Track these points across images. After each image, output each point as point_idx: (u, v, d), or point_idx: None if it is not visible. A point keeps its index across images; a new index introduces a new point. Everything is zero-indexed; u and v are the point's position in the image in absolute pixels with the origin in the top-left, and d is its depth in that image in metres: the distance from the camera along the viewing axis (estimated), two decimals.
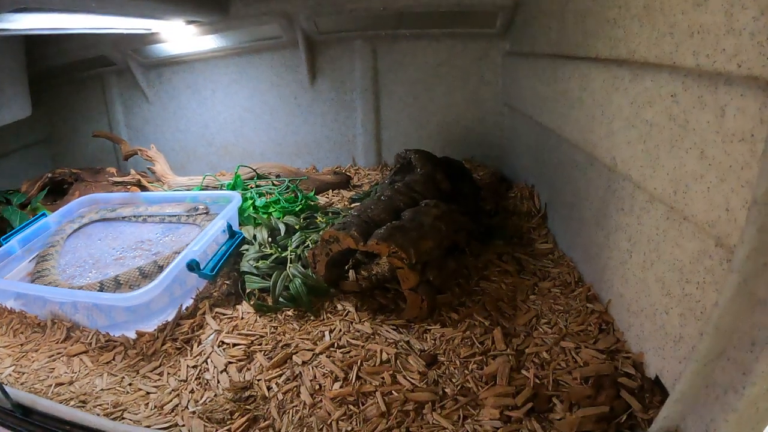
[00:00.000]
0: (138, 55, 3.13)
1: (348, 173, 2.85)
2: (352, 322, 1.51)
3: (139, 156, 2.97)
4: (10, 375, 1.55)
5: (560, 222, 1.91)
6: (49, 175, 3.02)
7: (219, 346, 1.49)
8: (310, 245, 1.81)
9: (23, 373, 1.55)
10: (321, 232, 1.63)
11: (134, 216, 2.42)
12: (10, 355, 1.65)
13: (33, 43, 2.93)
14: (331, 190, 2.65)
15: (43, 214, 2.45)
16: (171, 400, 1.33)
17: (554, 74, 1.78)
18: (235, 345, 1.48)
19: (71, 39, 2.96)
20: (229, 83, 3.12)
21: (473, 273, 1.71)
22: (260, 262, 1.76)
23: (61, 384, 1.47)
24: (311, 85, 2.93)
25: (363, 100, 2.88)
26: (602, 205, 1.45)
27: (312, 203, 2.33)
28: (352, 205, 2.37)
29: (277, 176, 2.66)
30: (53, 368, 1.55)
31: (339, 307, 1.60)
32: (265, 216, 2.20)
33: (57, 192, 3.05)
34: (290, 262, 1.72)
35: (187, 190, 2.68)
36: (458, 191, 1.97)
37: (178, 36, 2.79)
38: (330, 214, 2.14)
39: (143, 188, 2.78)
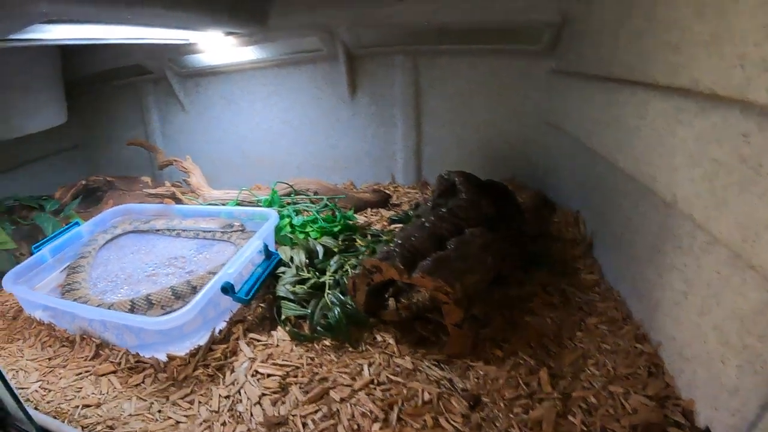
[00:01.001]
0: (175, 64, 3.18)
1: (387, 191, 2.83)
2: (392, 356, 1.49)
3: (174, 167, 3.01)
4: (36, 392, 1.57)
5: (607, 252, 1.86)
6: (84, 182, 3.09)
7: (253, 376, 1.47)
8: (350, 270, 1.80)
9: (50, 391, 1.56)
10: (362, 260, 1.61)
11: (168, 229, 2.44)
12: (37, 369, 1.68)
13: (69, 50, 3.01)
14: (369, 209, 2.64)
15: (76, 223, 2.49)
16: None
17: (607, 98, 1.72)
18: (269, 375, 1.46)
19: (107, 48, 3.03)
20: (268, 95, 3.13)
21: (517, 305, 1.68)
22: (297, 286, 1.75)
23: (88, 406, 1.47)
24: (351, 99, 2.93)
25: (404, 116, 2.86)
26: (656, 241, 1.41)
27: (350, 223, 2.31)
28: (392, 226, 2.36)
29: (315, 193, 2.67)
30: (80, 387, 1.55)
31: (378, 338, 1.57)
32: (303, 236, 2.20)
33: (91, 199, 3.11)
34: (328, 288, 1.71)
35: (222, 204, 2.69)
36: (502, 216, 1.92)
37: (216, 47, 2.82)
38: (370, 236, 2.13)
39: (178, 201, 2.80)
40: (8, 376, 1.47)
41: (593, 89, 1.87)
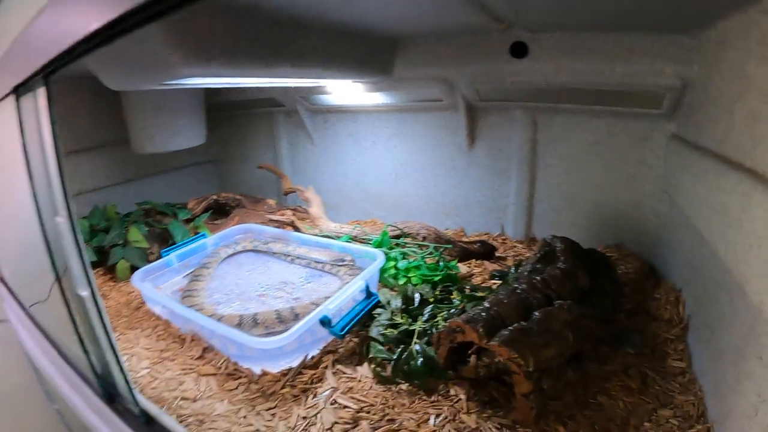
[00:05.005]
0: (305, 101, 3.43)
1: (494, 242, 2.90)
2: (459, 411, 1.56)
3: (298, 195, 3.28)
4: (143, 377, 1.83)
5: (699, 342, 1.78)
6: (215, 197, 3.43)
7: (331, 404, 1.61)
8: (440, 322, 1.89)
9: (155, 379, 1.81)
10: (450, 320, 1.69)
11: (283, 254, 2.66)
12: (148, 358, 1.95)
13: None
14: (474, 260, 2.71)
15: (203, 235, 2.80)
16: None
17: (716, 180, 1.57)
18: (345, 407, 1.59)
19: None
20: (390, 137, 3.29)
21: (593, 383, 1.68)
22: (388, 329, 1.88)
23: (185, 399, 1.69)
24: (469, 150, 3.01)
25: (519, 171, 2.90)
26: (742, 344, 1.35)
27: (452, 273, 2.40)
28: (491, 282, 2.42)
29: (423, 238, 2.78)
30: (183, 381, 1.78)
31: (452, 391, 1.65)
32: (404, 280, 2.34)
33: (219, 212, 3.45)
34: (417, 337, 1.81)
35: (336, 237, 2.88)
36: (597, 289, 1.96)
37: (344, 91, 3.05)
38: (467, 291, 2.19)
39: (296, 229, 3.04)
40: (123, 359, 1.69)
41: (706, 166, 1.71)
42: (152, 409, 1.59)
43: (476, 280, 2.46)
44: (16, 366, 3.03)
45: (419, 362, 1.69)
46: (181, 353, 1.96)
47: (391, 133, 3.28)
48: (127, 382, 1.58)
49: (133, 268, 2.60)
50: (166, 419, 1.55)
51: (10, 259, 2.76)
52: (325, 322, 1.80)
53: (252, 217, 3.26)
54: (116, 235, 2.81)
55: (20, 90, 1.55)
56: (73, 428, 2.77)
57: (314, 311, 1.84)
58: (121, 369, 1.58)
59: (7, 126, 1.69)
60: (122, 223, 2.97)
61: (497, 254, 2.79)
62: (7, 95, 1.64)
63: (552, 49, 2.29)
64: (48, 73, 1.35)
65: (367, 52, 2.46)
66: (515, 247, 2.94)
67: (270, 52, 1.83)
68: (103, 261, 2.74)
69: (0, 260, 3.00)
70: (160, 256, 2.62)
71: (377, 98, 3.06)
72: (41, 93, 1.39)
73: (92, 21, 0.99)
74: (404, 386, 1.69)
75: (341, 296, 1.96)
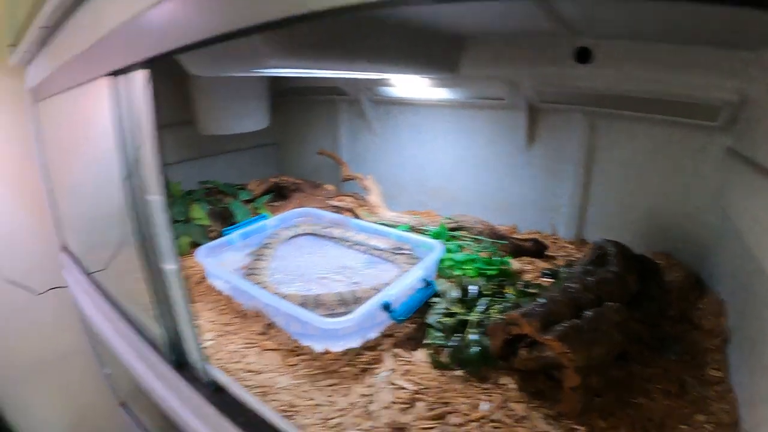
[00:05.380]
0: (370, 92, 3.51)
1: (545, 241, 2.92)
2: (509, 400, 1.64)
3: (356, 183, 3.37)
4: (208, 348, 1.91)
5: (739, 354, 1.80)
6: (275, 180, 3.55)
7: (389, 385, 1.70)
8: (494, 314, 1.98)
9: (220, 351, 1.89)
10: (507, 312, 1.77)
11: (342, 239, 2.75)
12: (212, 330, 2.04)
13: None
14: (525, 257, 2.78)
15: (264, 216, 2.91)
16: (336, 417, 1.57)
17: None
18: (402, 388, 1.67)
19: None
20: (450, 132, 3.34)
21: (635, 384, 1.73)
22: (445, 318, 1.96)
23: (249, 371, 1.78)
24: (527, 150, 3.04)
25: (574, 173, 2.92)
26: None
27: (506, 268, 2.46)
28: (542, 279, 2.49)
29: (479, 233, 2.86)
30: (246, 355, 1.87)
31: (502, 381, 1.72)
32: (460, 272, 2.41)
33: (278, 194, 3.58)
34: (471, 326, 1.90)
35: (395, 226, 2.95)
36: (645, 293, 2.01)
37: (408, 84, 3.13)
38: (519, 286, 2.26)
39: (356, 216, 3.13)
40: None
41: (760, 183, 1.73)
42: (221, 378, 1.72)
43: (527, 277, 2.51)
44: (71, 330, 3.22)
45: (474, 351, 1.78)
46: (243, 328, 2.06)
47: (452, 128, 3.33)
48: (199, 351, 1.72)
49: (194, 245, 2.75)
50: (236, 389, 1.67)
51: (78, 229, 2.91)
52: (386, 306, 1.91)
53: (311, 202, 3.37)
54: (179, 212, 2.96)
55: (118, 71, 1.65)
56: (120, 392, 2.94)
57: (376, 295, 1.94)
58: (195, 339, 1.71)
59: (98, 105, 1.79)
60: (185, 200, 3.11)
61: (548, 253, 2.84)
62: (103, 75, 1.73)
63: (615, 56, 2.33)
64: (150, 61, 1.46)
65: (435, 50, 2.53)
66: (566, 247, 2.98)
67: (349, 48, 1.94)
68: None
69: (66, 230, 3.19)
70: (220, 234, 2.75)
71: (441, 93, 3.11)
72: (141, 76, 1.50)
73: (210, 29, 1.11)
74: (458, 372, 1.77)
75: (402, 283, 2.05)
